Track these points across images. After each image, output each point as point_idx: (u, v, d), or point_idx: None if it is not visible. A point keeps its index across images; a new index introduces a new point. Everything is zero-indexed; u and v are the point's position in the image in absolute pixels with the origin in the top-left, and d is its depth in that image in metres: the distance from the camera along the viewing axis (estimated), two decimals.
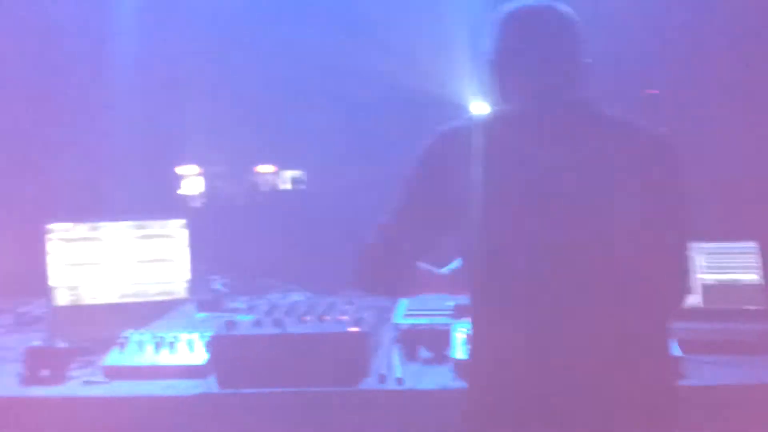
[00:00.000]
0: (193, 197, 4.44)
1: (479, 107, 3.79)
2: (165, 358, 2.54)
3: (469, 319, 2.02)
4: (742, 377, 2.40)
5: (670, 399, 1.93)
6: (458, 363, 2.44)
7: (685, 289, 2.03)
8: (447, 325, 2.65)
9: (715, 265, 2.94)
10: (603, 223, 1.86)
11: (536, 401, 1.85)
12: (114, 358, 2.54)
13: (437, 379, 2.43)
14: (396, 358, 2.57)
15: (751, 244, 2.96)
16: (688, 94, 3.57)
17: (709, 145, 3.46)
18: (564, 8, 2.01)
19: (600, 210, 1.87)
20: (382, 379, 2.42)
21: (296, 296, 3.03)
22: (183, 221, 3.18)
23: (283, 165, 4.61)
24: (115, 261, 3.12)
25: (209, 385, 2.41)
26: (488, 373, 1.93)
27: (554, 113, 1.95)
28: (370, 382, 2.42)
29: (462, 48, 3.73)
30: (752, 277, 2.92)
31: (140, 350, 2.56)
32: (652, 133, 1.96)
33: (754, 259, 2.94)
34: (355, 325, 2.49)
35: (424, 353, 2.59)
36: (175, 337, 2.60)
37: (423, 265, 2.14)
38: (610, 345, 1.85)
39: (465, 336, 2.52)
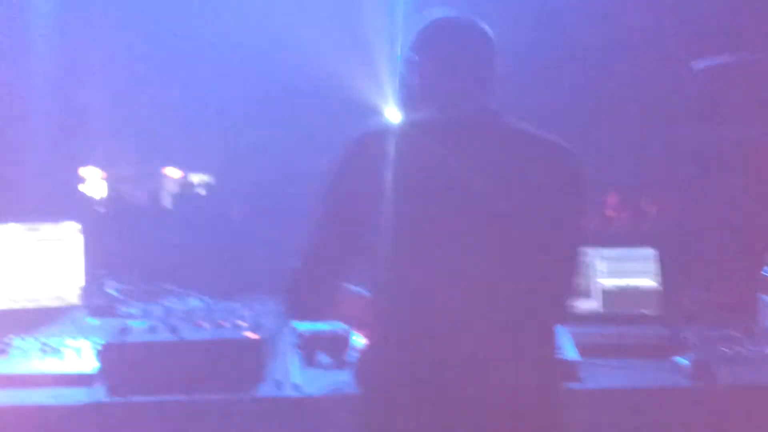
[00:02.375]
0: (93, 200, 4.31)
1: (390, 109, 3.78)
2: (50, 365, 2.42)
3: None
4: (638, 381, 2.43)
5: (555, 402, 1.96)
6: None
7: (573, 296, 2.06)
8: (347, 330, 2.61)
9: (615, 271, 2.98)
10: (505, 230, 1.88)
11: (428, 407, 1.85)
12: None
13: (336, 384, 2.39)
14: (294, 363, 2.52)
15: (650, 250, 3.00)
16: (580, 104, 3.64)
17: (611, 153, 3.53)
18: (483, 25, 2.06)
19: (503, 218, 1.89)
20: (279, 385, 2.37)
21: (194, 302, 2.95)
22: (78, 225, 3.06)
23: (190, 168, 4.53)
24: (4, 265, 2.98)
25: (96, 393, 2.31)
26: (383, 375, 1.93)
27: (466, 122, 1.98)
28: (266, 389, 2.36)
29: (376, 48, 3.71)
30: (650, 282, 2.97)
31: (24, 358, 2.44)
32: (556, 145, 2.00)
33: (652, 265, 2.98)
34: (254, 330, 2.42)
35: (323, 359, 2.55)
36: (62, 344, 2.49)
37: (352, 288, 2.10)
38: (502, 350, 1.87)
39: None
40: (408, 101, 2.12)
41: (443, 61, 2.04)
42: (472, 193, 1.89)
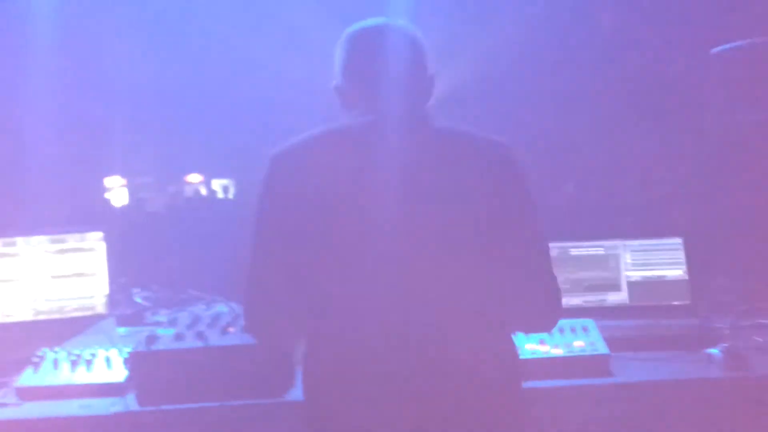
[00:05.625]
0: (117, 209, 4.32)
1: None
2: (81, 376, 2.43)
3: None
4: (670, 373, 2.41)
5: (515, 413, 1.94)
6: None
7: (549, 305, 1.96)
8: None
9: (641, 262, 2.95)
10: (441, 234, 1.85)
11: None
12: (27, 378, 2.43)
13: None
14: None
15: (677, 240, 2.98)
16: (602, 95, 3.61)
17: (631, 143, 3.50)
18: (402, 24, 2.01)
19: (438, 222, 1.85)
20: None
21: (220, 308, 2.95)
22: (101, 234, 3.07)
23: (211, 174, 4.53)
24: (31, 277, 3.00)
25: (128, 403, 2.32)
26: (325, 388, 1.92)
27: (388, 127, 1.93)
28: (297, 393, 2.36)
29: None
30: (677, 272, 2.94)
31: (55, 369, 2.46)
32: (492, 143, 1.95)
33: (679, 255, 2.96)
34: None
35: None
36: (92, 354, 2.51)
37: None
38: (453, 366, 1.84)
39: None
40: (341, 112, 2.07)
41: (357, 67, 1.99)
42: (402, 200, 1.85)
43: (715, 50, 3.44)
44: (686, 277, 2.93)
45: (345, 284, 1.87)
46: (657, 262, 2.96)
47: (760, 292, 2.88)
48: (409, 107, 1.96)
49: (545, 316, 1.97)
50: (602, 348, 2.45)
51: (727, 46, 3.42)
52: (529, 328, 2.13)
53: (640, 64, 3.60)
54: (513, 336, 2.00)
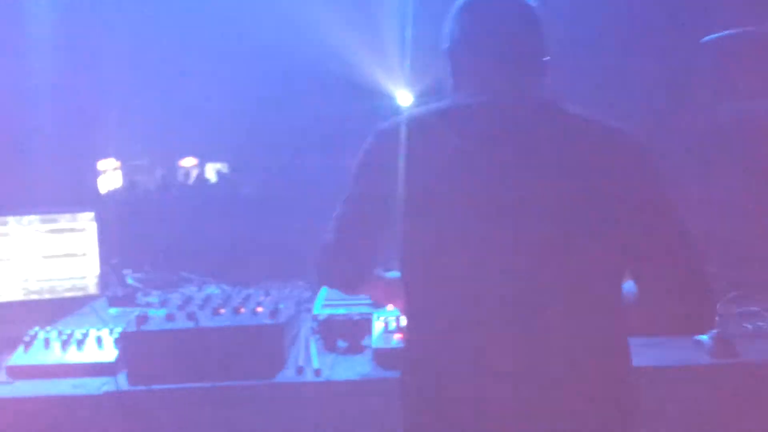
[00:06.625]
0: (110, 191, 4.32)
1: (405, 96, 3.78)
2: (73, 355, 2.44)
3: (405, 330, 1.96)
4: (660, 359, 2.39)
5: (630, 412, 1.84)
6: (377, 352, 2.41)
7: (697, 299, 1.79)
8: (366, 314, 2.61)
9: None
10: (557, 225, 1.73)
11: (479, 413, 1.77)
12: (19, 357, 2.43)
13: (355, 368, 2.39)
14: (314, 349, 2.52)
15: None
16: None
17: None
18: (526, 2, 1.90)
19: (554, 211, 1.74)
20: (300, 370, 2.37)
21: (211, 289, 2.95)
22: (93, 214, 3.06)
23: (205, 157, 4.53)
24: (22, 257, 2.99)
25: (119, 382, 2.33)
26: (427, 387, 1.84)
27: (505, 108, 1.83)
28: (287, 375, 2.37)
29: (390, 36, 3.69)
30: None
31: (46, 348, 2.46)
32: (617, 131, 1.82)
33: None
34: (272, 316, 2.43)
35: (342, 343, 2.55)
36: (83, 334, 2.51)
37: (381, 273, 2.07)
38: (563, 353, 1.74)
39: (383, 325, 2.50)
40: (447, 87, 1.97)
41: (472, 42, 1.88)
42: (517, 184, 1.74)
43: (705, 39, 3.44)
44: None
45: (448, 266, 1.78)
46: None
47: (749, 279, 2.89)
48: (526, 88, 1.87)
49: (688, 315, 1.80)
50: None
51: (718, 34, 3.42)
52: (673, 329, 2.02)
53: (630, 57, 3.60)
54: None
